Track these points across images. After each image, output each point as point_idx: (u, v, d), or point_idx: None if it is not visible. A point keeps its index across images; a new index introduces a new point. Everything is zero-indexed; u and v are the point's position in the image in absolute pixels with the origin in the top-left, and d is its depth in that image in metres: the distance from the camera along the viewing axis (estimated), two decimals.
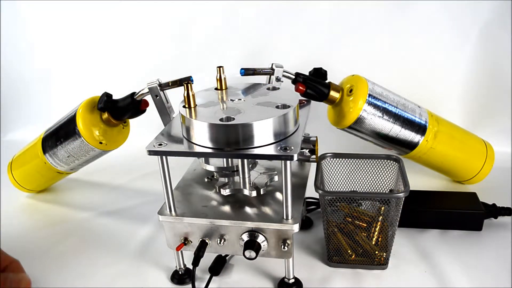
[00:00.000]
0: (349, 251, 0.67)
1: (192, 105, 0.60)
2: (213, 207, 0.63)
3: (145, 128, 0.90)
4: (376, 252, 0.66)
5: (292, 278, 0.64)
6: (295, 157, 0.53)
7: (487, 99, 1.02)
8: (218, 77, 0.67)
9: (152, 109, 0.75)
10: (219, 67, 0.66)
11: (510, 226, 0.75)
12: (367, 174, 0.74)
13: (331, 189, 0.75)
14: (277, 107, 0.59)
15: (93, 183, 1.01)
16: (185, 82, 0.60)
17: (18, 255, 0.76)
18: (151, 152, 0.57)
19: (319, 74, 0.73)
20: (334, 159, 0.74)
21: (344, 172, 0.75)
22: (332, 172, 0.74)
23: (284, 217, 0.59)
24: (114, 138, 0.81)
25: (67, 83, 1.19)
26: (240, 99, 0.63)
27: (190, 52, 1.10)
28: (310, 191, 0.68)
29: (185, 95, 0.60)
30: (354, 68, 0.82)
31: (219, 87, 0.67)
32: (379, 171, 0.73)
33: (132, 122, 0.83)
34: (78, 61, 1.16)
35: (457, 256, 0.69)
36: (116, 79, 1.10)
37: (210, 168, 0.67)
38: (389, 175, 0.73)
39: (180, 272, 0.67)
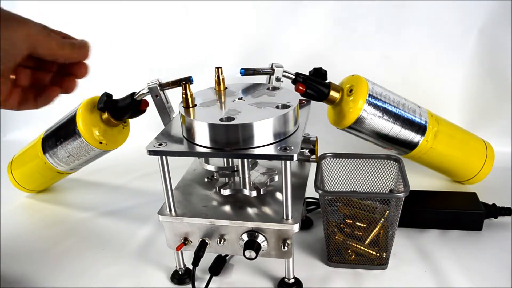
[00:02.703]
0: (349, 251, 0.67)
1: (191, 105, 0.60)
2: (213, 207, 0.63)
3: (145, 128, 0.90)
4: (374, 253, 0.66)
5: (292, 278, 0.64)
6: (295, 157, 0.53)
7: (487, 99, 1.02)
8: (216, 78, 0.67)
9: (152, 109, 0.75)
10: (218, 67, 0.66)
11: (510, 226, 0.75)
12: (367, 174, 0.74)
13: (331, 189, 0.75)
14: (277, 107, 0.59)
15: (93, 183, 1.01)
16: (184, 82, 0.60)
17: (18, 255, 0.76)
18: (151, 152, 0.57)
19: (319, 74, 0.73)
20: (334, 159, 0.74)
21: (344, 172, 0.75)
22: (332, 172, 0.74)
23: (284, 217, 0.59)
24: (114, 138, 0.81)
25: None
26: (240, 99, 0.63)
27: (190, 52, 1.10)
28: (310, 191, 0.68)
29: (183, 95, 0.60)
30: (354, 68, 0.82)
31: (217, 88, 0.67)
32: (379, 171, 0.73)
33: (132, 122, 0.83)
34: None
35: (457, 256, 0.69)
36: (116, 79, 1.10)
37: (210, 168, 0.67)
38: (389, 175, 0.73)
39: (180, 272, 0.67)
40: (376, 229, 0.66)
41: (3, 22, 0.40)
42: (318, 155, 0.71)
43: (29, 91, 0.48)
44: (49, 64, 0.49)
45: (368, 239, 0.66)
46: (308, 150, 0.70)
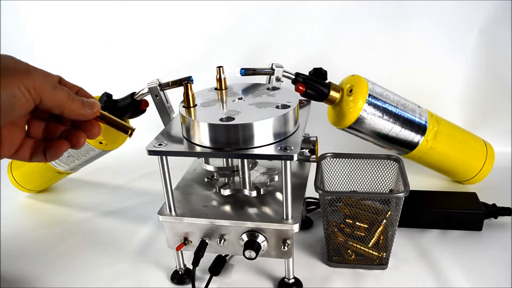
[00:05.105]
0: (349, 251, 0.67)
1: (192, 105, 0.60)
2: (213, 207, 0.63)
3: (145, 128, 0.90)
4: (374, 253, 0.66)
5: (292, 278, 0.64)
6: (295, 157, 0.53)
7: (487, 99, 1.02)
8: (218, 77, 0.67)
9: (152, 109, 0.75)
10: (219, 67, 0.66)
11: (510, 226, 0.75)
12: (367, 174, 0.74)
13: (331, 189, 0.75)
14: (277, 107, 0.59)
15: (93, 183, 1.01)
16: (185, 82, 0.60)
17: (18, 255, 0.76)
18: (151, 152, 0.57)
19: (319, 74, 0.73)
20: (334, 159, 0.74)
21: (344, 172, 0.75)
22: (332, 172, 0.75)
23: (284, 217, 0.59)
24: (114, 138, 0.81)
25: None
26: (240, 99, 0.63)
27: (190, 52, 1.10)
28: (310, 191, 0.68)
29: (185, 94, 0.60)
30: (354, 68, 0.82)
31: (219, 87, 0.67)
32: (379, 171, 0.73)
33: (132, 122, 0.83)
34: (78, 61, 1.16)
35: (457, 256, 0.69)
36: (116, 79, 1.10)
37: (210, 168, 0.67)
38: (389, 175, 0.73)
39: (180, 272, 0.67)
40: (379, 230, 0.66)
41: (3, 75, 0.37)
42: (318, 155, 0.71)
43: (41, 144, 0.45)
44: (63, 118, 0.46)
45: (372, 241, 0.66)
46: (308, 150, 0.70)
